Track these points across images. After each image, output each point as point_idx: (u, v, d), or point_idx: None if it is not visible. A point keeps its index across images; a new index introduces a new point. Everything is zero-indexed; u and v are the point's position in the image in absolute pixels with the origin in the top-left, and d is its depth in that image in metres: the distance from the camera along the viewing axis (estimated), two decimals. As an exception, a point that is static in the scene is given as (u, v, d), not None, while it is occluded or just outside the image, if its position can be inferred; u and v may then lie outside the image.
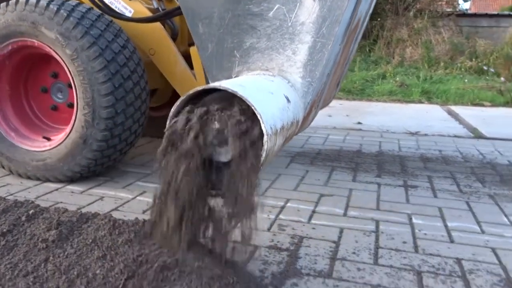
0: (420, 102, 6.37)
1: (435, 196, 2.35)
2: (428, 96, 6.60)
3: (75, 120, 2.24)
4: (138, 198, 2.19)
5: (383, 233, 1.85)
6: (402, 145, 3.58)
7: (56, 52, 2.20)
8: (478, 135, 4.02)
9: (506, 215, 2.10)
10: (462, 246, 1.76)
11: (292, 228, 1.88)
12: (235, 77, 1.60)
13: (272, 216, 2.00)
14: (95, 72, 2.14)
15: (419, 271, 1.54)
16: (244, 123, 1.19)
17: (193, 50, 2.42)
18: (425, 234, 1.86)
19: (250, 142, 1.18)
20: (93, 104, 2.17)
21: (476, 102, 6.30)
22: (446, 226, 1.95)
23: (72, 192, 2.24)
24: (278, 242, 1.73)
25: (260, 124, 1.18)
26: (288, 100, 1.43)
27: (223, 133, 1.20)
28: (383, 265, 1.58)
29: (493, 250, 1.72)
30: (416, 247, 1.73)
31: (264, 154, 1.19)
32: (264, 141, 1.18)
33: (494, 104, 6.23)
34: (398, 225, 1.95)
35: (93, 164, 2.29)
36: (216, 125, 1.20)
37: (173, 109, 1.23)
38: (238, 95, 1.18)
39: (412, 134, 4.02)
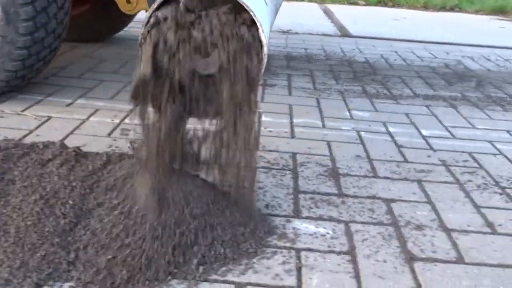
0: (302, 0, 6.35)
1: (290, 94, 2.41)
2: (308, -6, 6.58)
3: None
4: (-40, 106, 1.90)
5: (229, 133, 1.86)
6: (271, 44, 3.56)
7: None
8: (344, 34, 4.15)
9: (349, 110, 2.24)
10: (300, 141, 1.84)
11: (136, 132, 1.79)
12: None
13: (117, 121, 1.89)
14: None
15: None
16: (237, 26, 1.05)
17: None
18: (270, 131, 1.91)
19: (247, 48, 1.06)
20: None
21: (352, 1, 6.46)
22: (291, 122, 2.02)
23: None
24: (116, 147, 1.65)
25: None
26: (266, 3, 1.28)
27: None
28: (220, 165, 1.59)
29: (328, 143, 1.83)
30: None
31: (263, 67, 1.09)
32: (264, 53, 1.07)
33: (368, 3, 6.45)
34: (247, 123, 1.97)
35: (13, 76, 1.90)
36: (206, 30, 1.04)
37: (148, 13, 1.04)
38: None
39: (284, 32, 4.02)
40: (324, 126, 2.01)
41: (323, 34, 4.07)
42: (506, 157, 1.83)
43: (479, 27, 5.32)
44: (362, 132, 1.97)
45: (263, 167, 1.59)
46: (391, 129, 2.03)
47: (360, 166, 1.66)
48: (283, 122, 2.01)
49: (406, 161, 1.73)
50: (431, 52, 3.69)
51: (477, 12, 6.63)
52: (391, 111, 2.27)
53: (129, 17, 3.01)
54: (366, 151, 1.79)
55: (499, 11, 6.61)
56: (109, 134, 1.75)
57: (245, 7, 1.04)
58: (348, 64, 3.11)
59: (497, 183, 1.61)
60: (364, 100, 2.40)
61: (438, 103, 2.43)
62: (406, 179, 1.59)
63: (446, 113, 2.29)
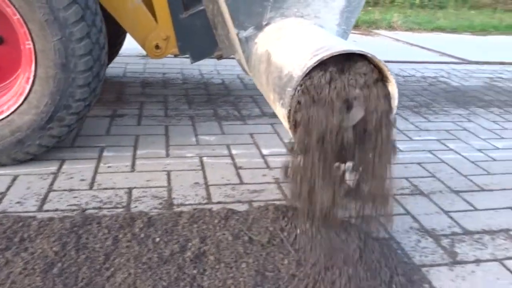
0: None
1: (139, 124, 2.39)
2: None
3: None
4: None
5: (63, 173, 1.79)
6: (128, 70, 3.51)
7: None
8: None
9: (196, 135, 2.29)
10: (140, 174, 1.84)
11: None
12: (266, 24, 1.53)
13: None
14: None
15: (84, 209, 1.54)
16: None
17: None
18: (109, 167, 1.88)
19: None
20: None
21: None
22: (134, 155, 2.01)
23: None
24: None
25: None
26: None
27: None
28: (47, 210, 1.52)
29: (168, 173, 1.86)
30: (92, 184, 1.73)
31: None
32: (394, 95, 1.24)
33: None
34: (85, 161, 1.91)
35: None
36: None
37: (302, 71, 1.20)
38: (377, 60, 1.21)
39: (142, 57, 3.98)
40: (167, 155, 2.03)
41: (183, 57, 4.12)
42: (333, 167, 2.02)
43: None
44: (204, 158, 2.02)
45: (93, 207, 1.56)
46: (233, 151, 2.12)
47: (196, 194, 1.70)
48: (125, 156, 1.99)
49: (241, 182, 1.82)
50: (285, 68, 3.93)
51: (333, 26, 7.26)
52: (238, 132, 2.38)
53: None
54: (205, 177, 1.85)
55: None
56: None
57: (382, 66, 1.22)
58: (204, 87, 3.19)
59: (321, 194, 1.76)
60: (213, 123, 2.48)
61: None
62: (238, 201, 1.67)
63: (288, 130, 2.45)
